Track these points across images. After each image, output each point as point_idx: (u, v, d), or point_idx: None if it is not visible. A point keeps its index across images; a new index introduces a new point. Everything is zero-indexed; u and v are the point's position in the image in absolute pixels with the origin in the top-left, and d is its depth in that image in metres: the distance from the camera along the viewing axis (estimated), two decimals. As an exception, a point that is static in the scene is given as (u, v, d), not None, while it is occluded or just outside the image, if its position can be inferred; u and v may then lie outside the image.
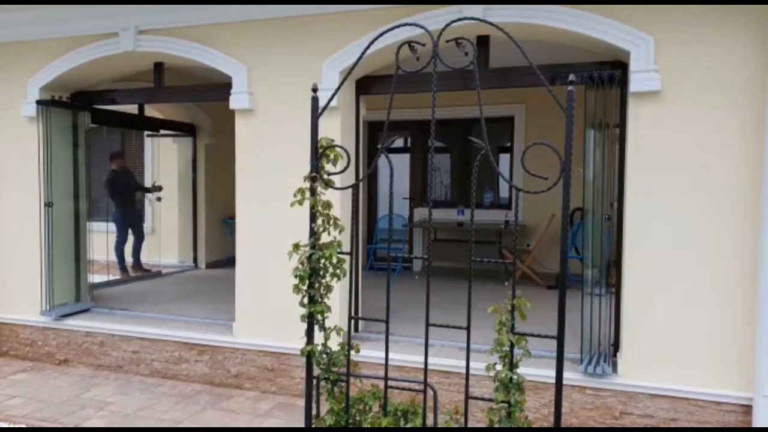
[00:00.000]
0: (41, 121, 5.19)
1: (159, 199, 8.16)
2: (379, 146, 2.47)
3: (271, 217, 4.47)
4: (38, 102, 5.19)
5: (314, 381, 2.57)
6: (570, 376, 3.73)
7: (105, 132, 7.95)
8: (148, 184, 8.77)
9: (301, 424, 2.63)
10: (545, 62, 3.64)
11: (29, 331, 5.41)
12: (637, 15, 3.65)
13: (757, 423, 3.44)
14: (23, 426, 3.96)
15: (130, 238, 7.79)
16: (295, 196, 2.45)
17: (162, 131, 8.16)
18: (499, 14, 3.79)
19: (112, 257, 7.41)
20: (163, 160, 8.65)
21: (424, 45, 2.38)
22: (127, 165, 8.26)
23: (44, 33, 5.14)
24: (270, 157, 4.55)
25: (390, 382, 2.50)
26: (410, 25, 2.47)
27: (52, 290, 5.23)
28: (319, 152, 2.48)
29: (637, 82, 3.64)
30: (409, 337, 4.38)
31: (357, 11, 4.22)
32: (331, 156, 2.49)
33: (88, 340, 5.18)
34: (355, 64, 2.61)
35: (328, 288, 2.52)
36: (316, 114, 2.51)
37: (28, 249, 5.30)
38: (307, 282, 2.46)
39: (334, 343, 2.61)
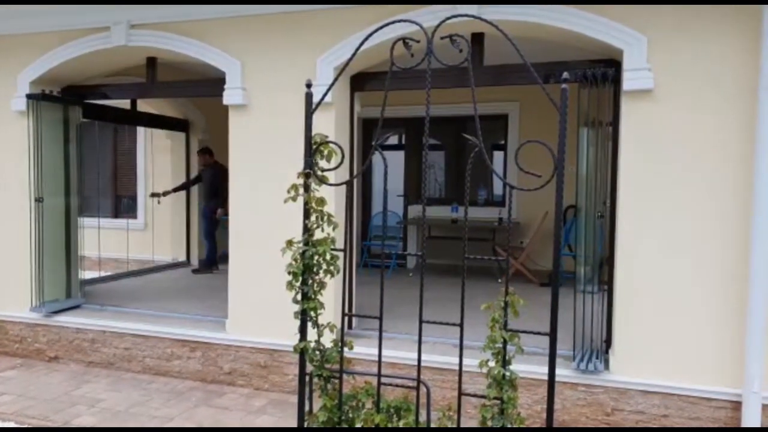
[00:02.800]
0: (31, 116, 5.14)
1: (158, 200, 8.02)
2: (373, 143, 2.46)
3: (265, 213, 4.45)
4: (28, 96, 5.15)
5: (307, 378, 2.56)
6: (562, 372, 3.75)
7: (97, 127, 7.89)
8: (140, 183, 8.73)
9: (294, 421, 2.62)
10: (539, 60, 3.65)
11: (19, 328, 5.37)
12: (631, 14, 3.66)
13: (746, 418, 3.47)
14: (13, 425, 3.93)
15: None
16: (288, 192, 2.44)
17: (154, 127, 8.09)
18: (494, 11, 3.79)
19: (104, 253, 7.36)
20: (157, 156, 8.59)
21: (418, 42, 2.37)
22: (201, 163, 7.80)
23: (35, 26, 5.08)
24: (264, 153, 4.53)
25: (383, 379, 2.50)
26: (405, 21, 2.46)
27: (42, 286, 5.20)
28: (312, 148, 2.47)
29: (630, 81, 3.65)
30: (402, 334, 4.38)
31: (352, 8, 4.20)
32: (325, 152, 2.48)
33: (78, 336, 5.15)
34: (350, 60, 2.60)
35: (322, 285, 2.51)
36: (309, 110, 2.49)
37: (18, 245, 5.25)
38: (300, 279, 2.45)
39: (328, 340, 2.60)
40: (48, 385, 4.66)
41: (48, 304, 5.23)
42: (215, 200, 7.59)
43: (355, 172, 4.50)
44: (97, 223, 7.16)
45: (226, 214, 7.05)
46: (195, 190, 8.23)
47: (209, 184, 7.70)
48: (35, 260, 5.17)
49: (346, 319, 4.53)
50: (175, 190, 7.99)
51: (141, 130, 8.79)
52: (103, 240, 7.21)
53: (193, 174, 8.21)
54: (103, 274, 7.20)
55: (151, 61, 5.18)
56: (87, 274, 6.27)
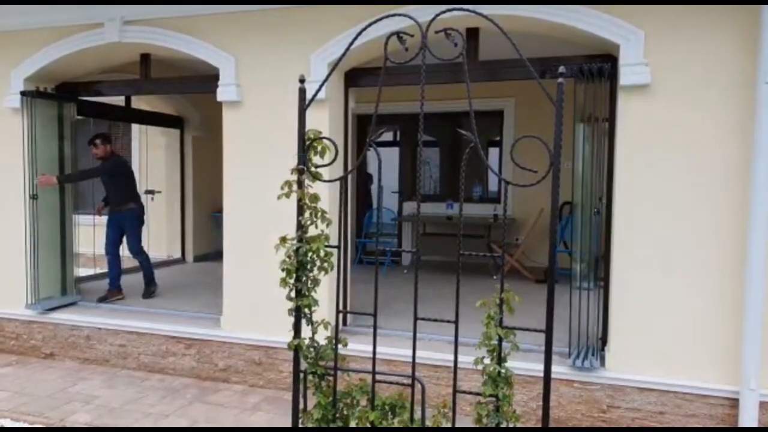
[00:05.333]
0: (25, 113, 5.11)
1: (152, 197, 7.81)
2: (368, 139, 2.44)
3: (259, 210, 4.43)
4: (22, 93, 5.12)
5: (302, 375, 2.55)
6: (558, 369, 3.74)
7: (92, 124, 7.83)
8: (138, 180, 8.67)
9: (289, 417, 2.61)
10: (535, 56, 3.63)
11: (14, 325, 5.34)
12: (628, 10, 3.64)
13: (743, 416, 3.47)
14: (9, 422, 3.91)
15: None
16: (282, 188, 2.43)
17: (148, 124, 8.04)
18: (489, 7, 3.76)
19: (99, 250, 7.31)
20: (151, 153, 8.55)
21: (412, 36, 2.36)
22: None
23: (28, 23, 5.04)
24: (258, 149, 4.50)
25: (378, 376, 2.49)
26: (399, 15, 2.45)
27: (37, 283, 5.17)
28: (306, 144, 2.45)
29: (626, 76, 3.63)
30: (397, 331, 4.37)
31: (346, 4, 4.17)
32: (319, 148, 2.47)
33: (74, 333, 5.13)
34: (343, 55, 2.58)
35: (316, 281, 2.50)
36: (303, 105, 2.48)
37: (13, 242, 5.22)
38: (294, 275, 2.44)
39: (322, 337, 2.59)
40: (43, 382, 4.64)
41: (43, 302, 5.20)
42: (125, 204, 5.90)
43: (349, 169, 4.48)
44: (92, 220, 7.12)
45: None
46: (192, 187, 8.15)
47: (115, 184, 5.86)
48: (30, 257, 5.15)
49: (341, 316, 4.52)
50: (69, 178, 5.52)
51: (136, 128, 8.75)
52: (98, 237, 7.16)
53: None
54: (98, 271, 7.15)
55: (145, 58, 5.14)
56: (82, 271, 6.24)
